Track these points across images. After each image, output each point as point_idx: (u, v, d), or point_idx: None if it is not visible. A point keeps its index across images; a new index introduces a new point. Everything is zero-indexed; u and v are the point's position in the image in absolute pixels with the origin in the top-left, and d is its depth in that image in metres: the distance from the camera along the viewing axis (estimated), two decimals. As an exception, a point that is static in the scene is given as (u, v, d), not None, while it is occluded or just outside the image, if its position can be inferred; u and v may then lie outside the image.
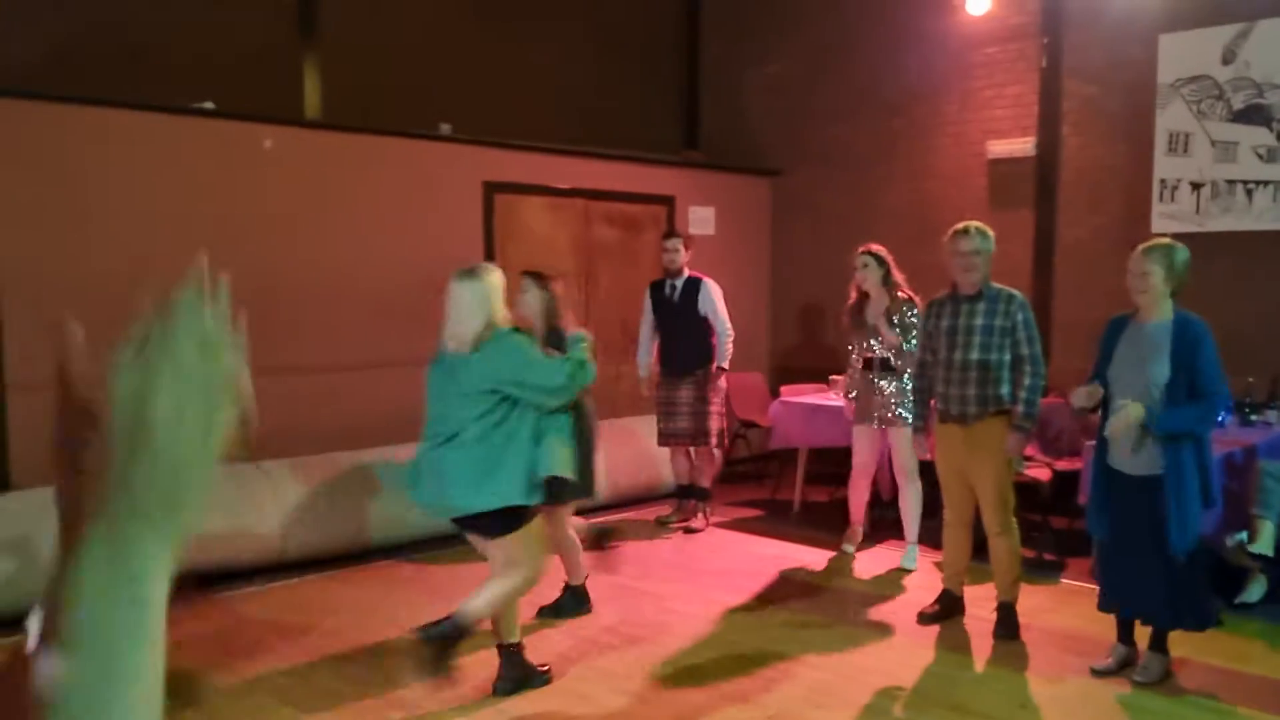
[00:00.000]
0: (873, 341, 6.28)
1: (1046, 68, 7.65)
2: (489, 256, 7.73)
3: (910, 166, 8.52)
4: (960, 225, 5.07)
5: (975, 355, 4.98)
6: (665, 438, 7.12)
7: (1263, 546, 5.29)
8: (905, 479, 6.21)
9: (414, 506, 4.49)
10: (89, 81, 6.06)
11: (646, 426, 7.81)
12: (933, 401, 5.24)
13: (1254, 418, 6.16)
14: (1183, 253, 4.40)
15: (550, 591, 5.25)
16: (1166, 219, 7.08)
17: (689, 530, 7.09)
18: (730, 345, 6.97)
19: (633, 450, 7.66)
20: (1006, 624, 5.08)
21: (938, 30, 8.22)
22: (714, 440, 7.02)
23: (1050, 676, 4.62)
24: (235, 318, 0.69)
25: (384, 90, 7.52)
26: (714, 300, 6.96)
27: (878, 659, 4.84)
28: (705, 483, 7.20)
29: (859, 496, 6.58)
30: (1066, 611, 5.38)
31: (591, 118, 8.76)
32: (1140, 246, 4.48)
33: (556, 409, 4.20)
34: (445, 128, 7.56)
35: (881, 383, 6.22)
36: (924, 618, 5.32)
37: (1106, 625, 4.73)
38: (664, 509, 7.50)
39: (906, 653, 4.93)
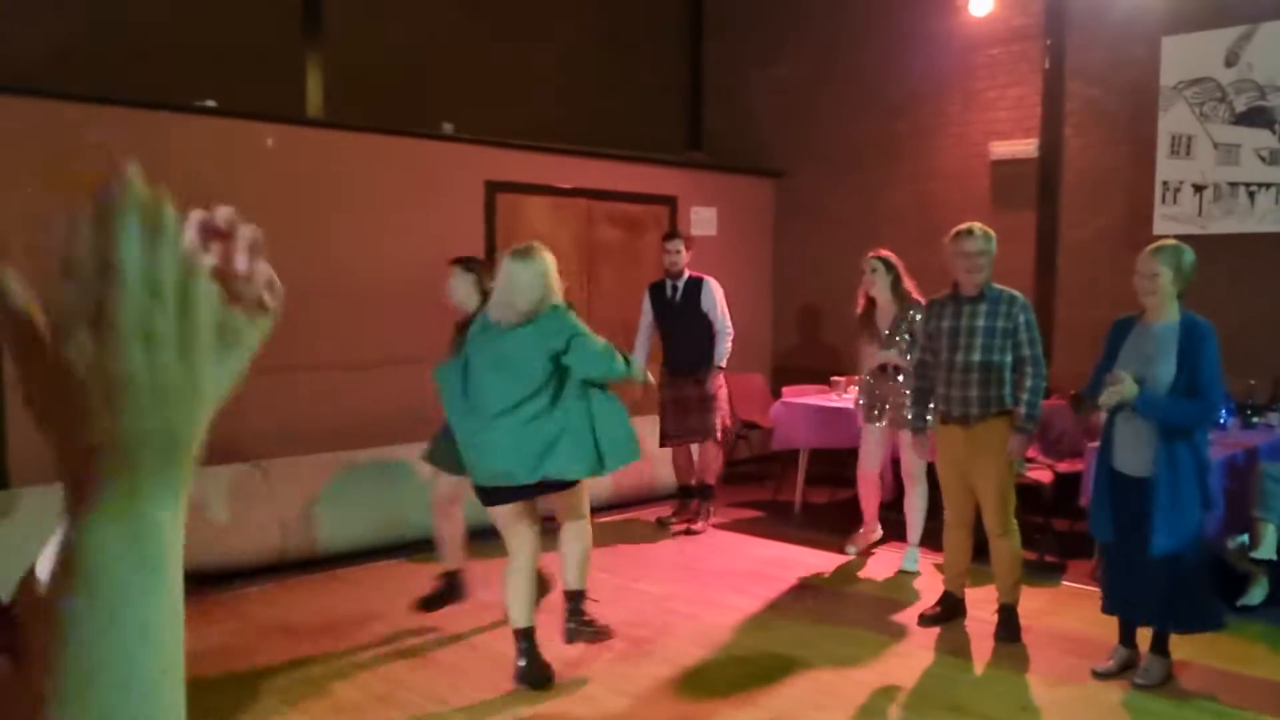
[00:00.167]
0: (884, 352, 6.26)
1: (1049, 69, 7.65)
2: (490, 256, 7.73)
3: (913, 167, 8.51)
4: (964, 226, 5.06)
5: (977, 357, 4.97)
6: (671, 438, 7.10)
7: (1264, 549, 5.28)
8: (912, 481, 6.19)
9: (454, 487, 4.70)
10: (91, 79, 6.05)
11: (646, 427, 7.79)
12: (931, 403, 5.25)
13: (1255, 420, 6.16)
14: (1190, 254, 4.40)
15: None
16: (1168, 221, 7.07)
17: (690, 532, 7.08)
18: (729, 344, 6.97)
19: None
20: (1008, 626, 5.07)
21: (940, 31, 8.22)
22: (718, 435, 7.01)
23: (1051, 678, 4.62)
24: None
25: (386, 89, 7.52)
26: (716, 299, 6.97)
27: (878, 660, 4.84)
28: (710, 479, 7.19)
29: (870, 498, 6.54)
30: (1068, 613, 5.38)
31: (594, 117, 8.76)
32: (1148, 248, 4.48)
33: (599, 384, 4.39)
34: (447, 127, 7.56)
35: (891, 384, 6.21)
36: (925, 619, 5.31)
37: (1108, 627, 4.72)
38: (664, 509, 7.49)
39: (907, 654, 4.93)
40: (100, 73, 6.21)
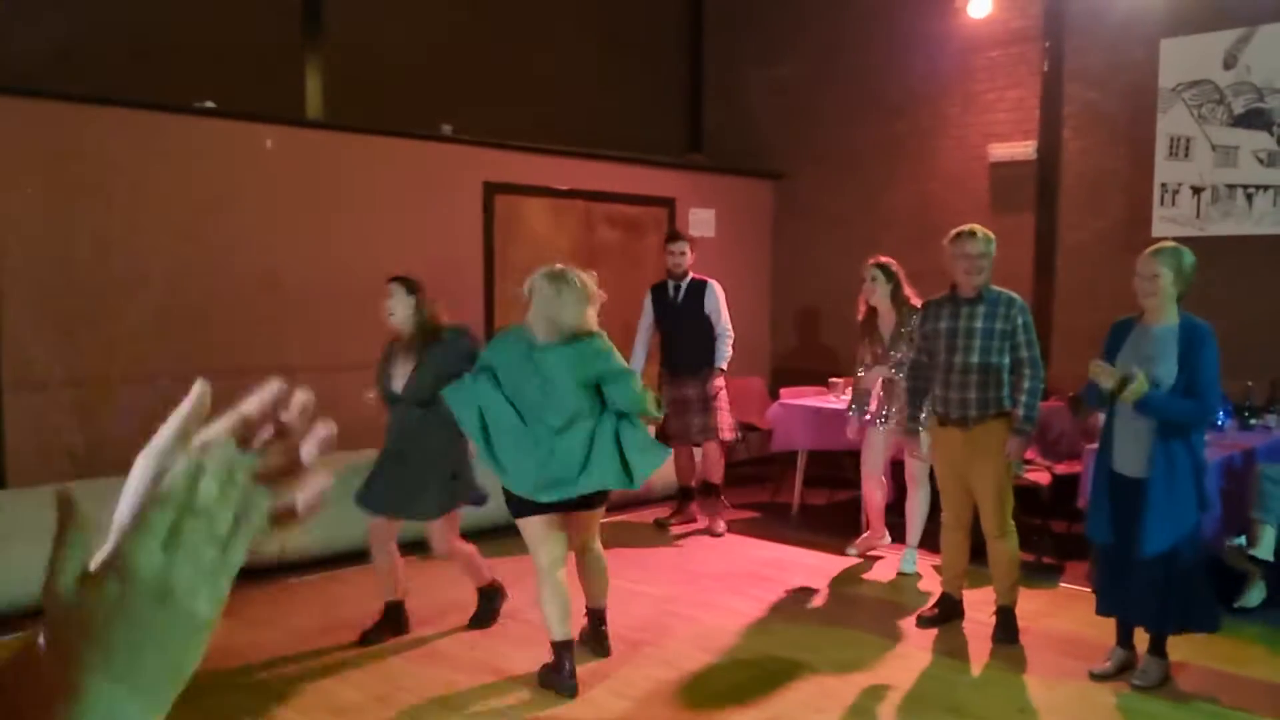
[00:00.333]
0: (879, 367, 6.26)
1: (1048, 71, 7.66)
2: (489, 258, 7.74)
3: (912, 169, 8.52)
4: (966, 227, 5.06)
5: (976, 358, 4.97)
6: (670, 438, 7.08)
7: (1262, 550, 5.29)
8: (914, 484, 6.18)
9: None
10: (91, 80, 6.06)
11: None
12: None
13: (1253, 421, 6.17)
14: (1190, 256, 4.41)
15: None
16: (1167, 223, 7.08)
17: (714, 534, 7.05)
18: (729, 347, 6.96)
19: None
20: (1006, 628, 5.08)
21: (939, 33, 8.23)
22: (723, 435, 7.00)
23: (1049, 680, 4.62)
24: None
25: (386, 90, 7.53)
26: (719, 302, 6.97)
27: (877, 662, 4.84)
28: (716, 479, 7.18)
29: (876, 499, 6.51)
30: (1065, 615, 5.38)
31: (593, 119, 8.76)
32: (1149, 249, 4.48)
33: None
34: (446, 128, 7.56)
35: (896, 388, 6.18)
36: (923, 621, 5.31)
37: (1105, 629, 4.73)
38: (658, 511, 7.50)
39: (905, 656, 4.93)
40: (100, 73, 6.21)
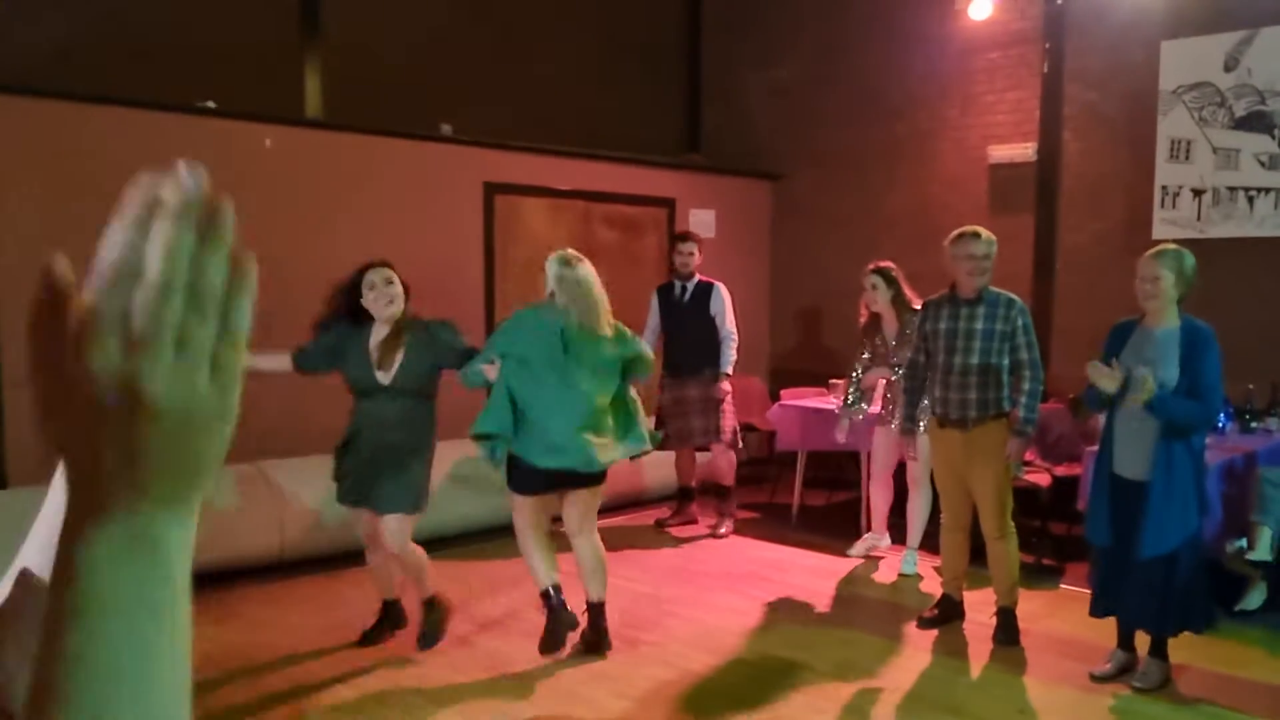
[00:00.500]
0: (883, 367, 6.25)
1: (1048, 73, 7.66)
2: (489, 258, 7.74)
3: (911, 171, 8.52)
4: (969, 228, 5.06)
5: (975, 359, 4.97)
6: (671, 440, 7.05)
7: (1262, 553, 5.29)
8: (916, 486, 6.17)
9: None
10: (90, 79, 6.05)
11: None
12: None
13: (1254, 425, 6.17)
14: (1191, 258, 4.41)
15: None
16: (1167, 225, 7.08)
17: (716, 535, 7.02)
18: (734, 351, 6.94)
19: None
20: (1006, 629, 5.07)
21: (939, 35, 8.23)
22: (728, 438, 6.99)
23: (1049, 681, 4.62)
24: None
25: (385, 90, 7.52)
26: (725, 305, 6.95)
27: (877, 663, 4.84)
28: (727, 481, 7.15)
29: (881, 501, 6.50)
30: (1065, 617, 5.38)
31: (592, 119, 8.76)
32: (1149, 252, 4.48)
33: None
34: (446, 128, 7.56)
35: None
36: (923, 622, 5.31)
37: (1106, 630, 4.72)
38: (656, 512, 7.49)
39: (905, 657, 4.93)
40: (100, 73, 6.21)
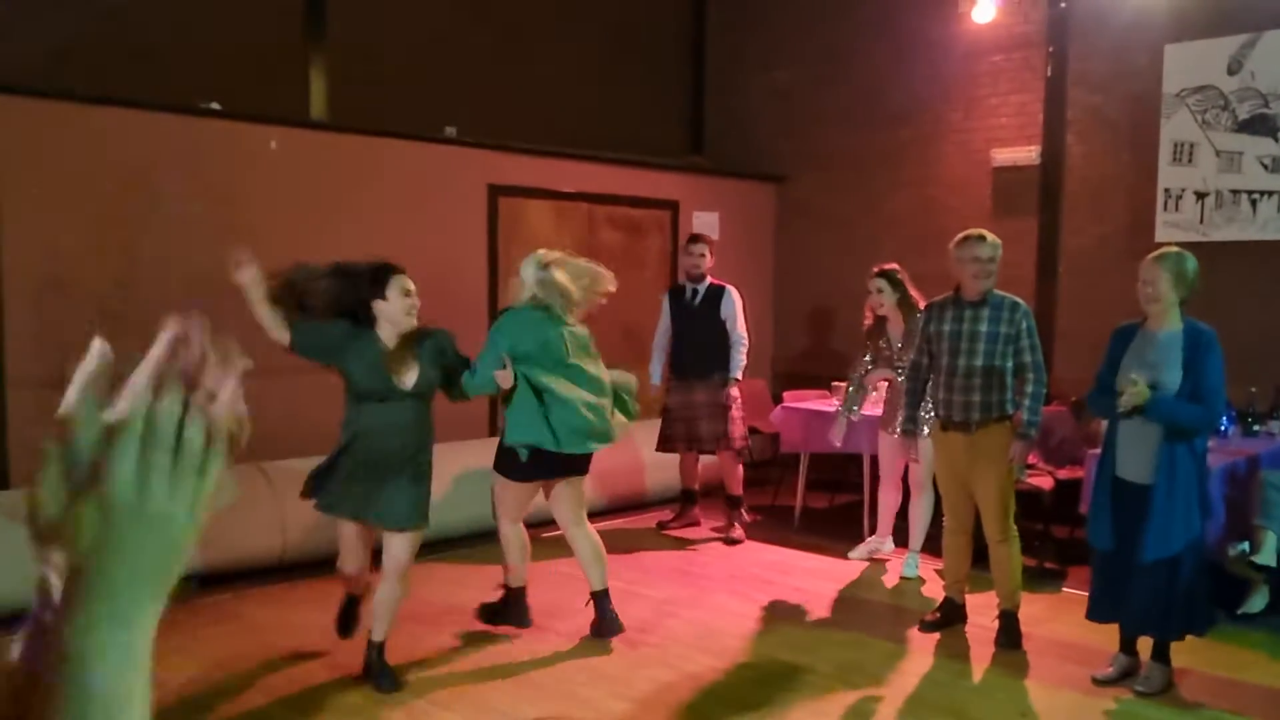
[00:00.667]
0: (885, 369, 6.25)
1: (1052, 76, 7.66)
2: (492, 260, 7.74)
3: (915, 174, 8.52)
4: (975, 231, 5.06)
5: (980, 362, 4.97)
6: (676, 442, 7.04)
7: (1265, 557, 5.28)
8: (918, 489, 6.16)
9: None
10: (95, 80, 6.07)
11: (644, 431, 7.79)
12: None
13: (1257, 428, 6.16)
14: (1192, 261, 4.40)
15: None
16: (1170, 228, 7.08)
17: (730, 541, 6.95)
18: (744, 356, 6.91)
19: (629, 456, 7.65)
20: (1009, 633, 5.07)
21: (943, 38, 8.23)
22: (737, 445, 6.96)
23: (1051, 685, 4.61)
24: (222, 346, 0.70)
25: (389, 92, 7.53)
26: (735, 309, 6.91)
27: (879, 665, 4.83)
28: (737, 490, 7.11)
29: (890, 504, 6.46)
30: (1068, 620, 5.37)
31: (596, 121, 8.77)
32: (1150, 255, 4.48)
33: None
34: (450, 130, 7.57)
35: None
36: (925, 625, 5.30)
37: (1108, 634, 4.72)
38: (657, 515, 7.49)
39: (907, 660, 4.92)
40: (105, 74, 6.22)
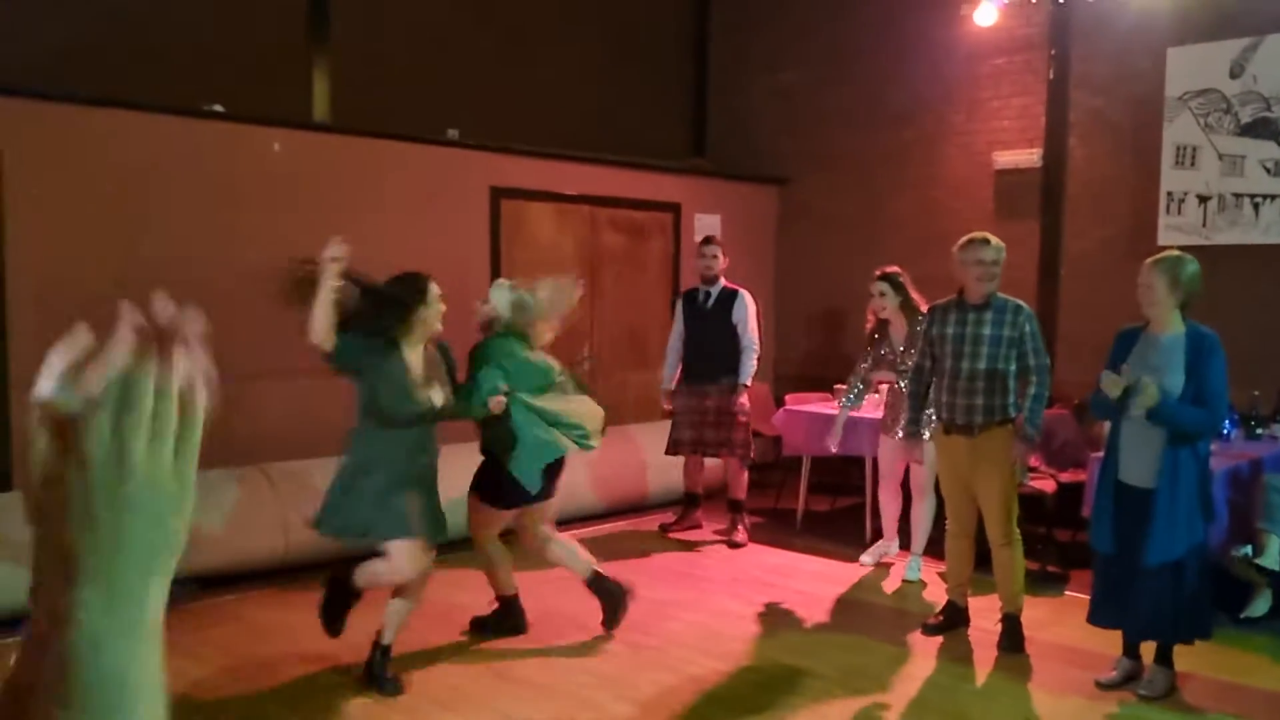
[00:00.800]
0: (888, 370, 6.25)
1: (1054, 79, 7.66)
2: (495, 262, 7.74)
3: (917, 176, 8.52)
4: (979, 234, 5.06)
5: (983, 365, 4.96)
6: (684, 446, 7.02)
7: (1268, 560, 5.28)
8: (920, 493, 6.15)
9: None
10: (99, 82, 6.07)
11: (646, 434, 7.79)
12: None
13: (1260, 431, 6.15)
14: (1191, 265, 4.38)
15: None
16: (1173, 232, 7.08)
17: (733, 544, 6.93)
18: (754, 362, 6.89)
19: (633, 458, 7.66)
20: (1011, 636, 5.06)
21: (945, 40, 8.23)
22: (741, 451, 6.94)
23: (1054, 689, 4.61)
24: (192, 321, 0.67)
25: (392, 95, 7.54)
26: (748, 313, 6.88)
27: (881, 669, 4.83)
28: (740, 494, 7.09)
29: (890, 508, 6.45)
30: (1070, 624, 5.36)
31: (598, 124, 8.78)
32: (1149, 259, 4.47)
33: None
34: (452, 133, 7.57)
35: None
36: (928, 629, 5.30)
37: (1110, 638, 4.71)
38: (665, 517, 7.48)
39: (910, 663, 4.92)
40: (108, 76, 6.22)
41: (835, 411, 7.12)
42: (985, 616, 5.27)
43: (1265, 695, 4.57)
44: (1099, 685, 4.58)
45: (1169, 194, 7.19)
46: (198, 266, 6.24)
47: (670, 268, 8.88)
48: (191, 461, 0.66)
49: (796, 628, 5.42)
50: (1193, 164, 7.09)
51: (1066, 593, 5.93)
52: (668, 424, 7.21)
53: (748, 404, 6.95)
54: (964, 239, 5.07)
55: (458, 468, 5.03)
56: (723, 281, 6.96)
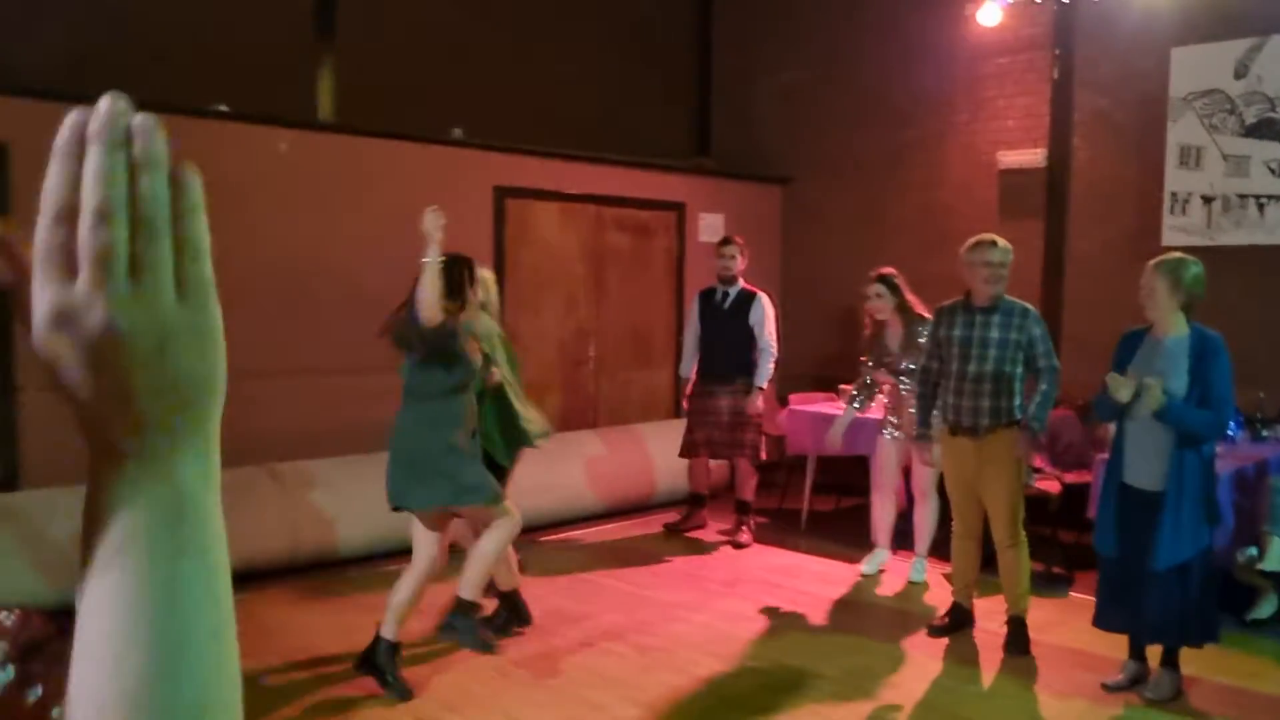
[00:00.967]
0: (897, 372, 6.25)
1: (1058, 79, 7.66)
2: (499, 261, 7.75)
3: (921, 176, 8.52)
4: (986, 236, 5.06)
5: (989, 367, 4.97)
6: (696, 448, 7.02)
7: (1273, 563, 5.28)
8: (923, 496, 6.15)
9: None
10: (103, 81, 6.02)
11: (651, 433, 7.80)
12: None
13: (1265, 433, 6.16)
14: (1194, 267, 4.37)
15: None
16: (1177, 232, 7.08)
17: (737, 545, 6.92)
18: (771, 365, 6.87)
19: (638, 456, 7.66)
20: (1017, 638, 5.06)
21: (949, 40, 8.23)
22: (750, 453, 6.93)
23: (1059, 692, 4.62)
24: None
25: (397, 94, 7.54)
26: (765, 316, 6.85)
27: (886, 670, 4.84)
28: (748, 496, 7.08)
29: (884, 513, 6.39)
30: (1076, 626, 5.36)
31: (603, 124, 8.77)
32: (1152, 261, 4.48)
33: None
34: (457, 132, 7.57)
35: (905, 397, 6.09)
36: (934, 630, 5.31)
37: (1117, 640, 4.72)
38: (670, 516, 7.49)
39: (915, 665, 4.93)
40: (114, 76, 6.18)
41: (838, 411, 7.13)
42: (991, 618, 5.28)
43: (1271, 700, 4.57)
44: (1105, 688, 4.59)
45: (1173, 194, 7.19)
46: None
47: (674, 267, 8.88)
48: (204, 281, 0.57)
49: (802, 629, 5.43)
50: (1197, 164, 7.09)
51: (1072, 594, 5.94)
52: (672, 423, 7.22)
53: (763, 406, 6.94)
54: (971, 240, 5.07)
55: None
56: (741, 282, 6.94)
